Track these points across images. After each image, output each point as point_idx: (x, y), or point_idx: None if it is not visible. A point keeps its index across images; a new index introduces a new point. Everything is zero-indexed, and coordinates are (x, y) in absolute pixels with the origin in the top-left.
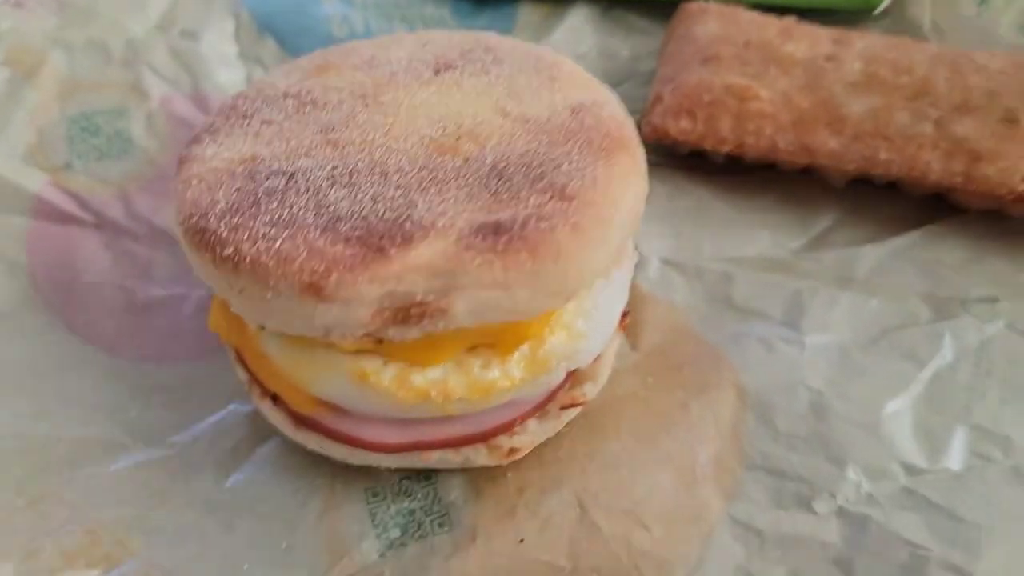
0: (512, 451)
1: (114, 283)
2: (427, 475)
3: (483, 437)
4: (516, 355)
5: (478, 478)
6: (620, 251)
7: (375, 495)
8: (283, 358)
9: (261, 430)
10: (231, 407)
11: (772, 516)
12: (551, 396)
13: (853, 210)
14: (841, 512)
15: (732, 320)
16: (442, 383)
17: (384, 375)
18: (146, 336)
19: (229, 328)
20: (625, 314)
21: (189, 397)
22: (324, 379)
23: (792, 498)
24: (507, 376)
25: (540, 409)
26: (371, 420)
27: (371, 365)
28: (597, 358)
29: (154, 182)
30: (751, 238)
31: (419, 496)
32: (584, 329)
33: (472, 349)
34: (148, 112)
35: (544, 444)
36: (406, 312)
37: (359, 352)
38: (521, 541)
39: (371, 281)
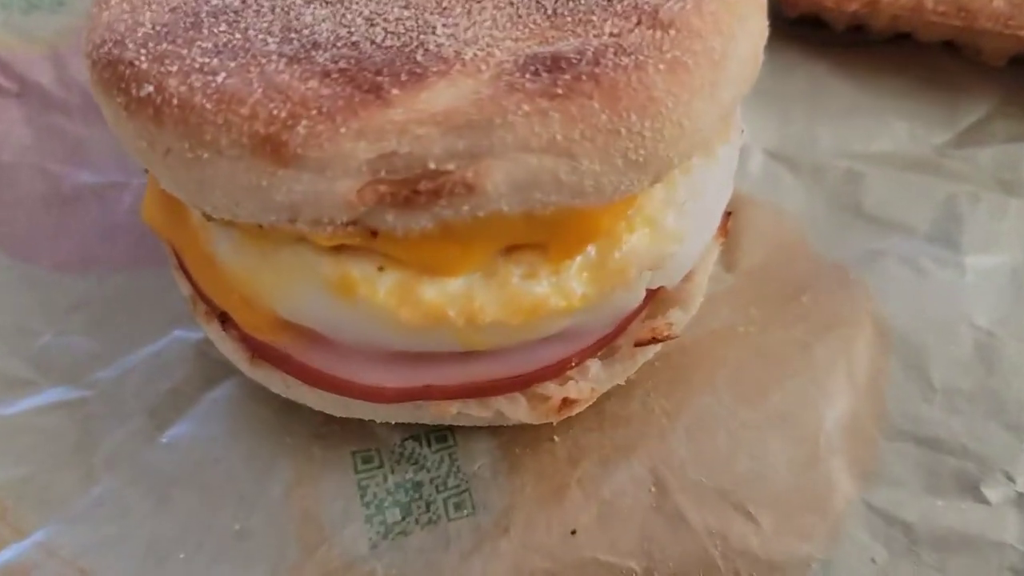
0: (565, 404)
1: (33, 165)
2: (441, 436)
3: (523, 383)
4: (576, 262)
5: (513, 442)
6: (729, 115)
7: (367, 462)
8: (236, 260)
9: (212, 367)
10: (174, 334)
11: (924, 505)
12: (622, 326)
13: (1015, 96)
14: (1021, 501)
15: (863, 233)
16: (465, 299)
17: (379, 285)
18: (69, 236)
19: (166, 220)
20: (728, 215)
21: (119, 319)
22: (292, 290)
23: (952, 480)
24: (561, 292)
25: (606, 345)
26: (360, 353)
27: (360, 270)
28: (689, 275)
29: None
30: (883, 129)
31: (429, 465)
32: (675, 228)
33: (511, 251)
34: None
35: (609, 397)
36: (412, 187)
37: (341, 250)
38: (573, 533)
39: (359, 136)
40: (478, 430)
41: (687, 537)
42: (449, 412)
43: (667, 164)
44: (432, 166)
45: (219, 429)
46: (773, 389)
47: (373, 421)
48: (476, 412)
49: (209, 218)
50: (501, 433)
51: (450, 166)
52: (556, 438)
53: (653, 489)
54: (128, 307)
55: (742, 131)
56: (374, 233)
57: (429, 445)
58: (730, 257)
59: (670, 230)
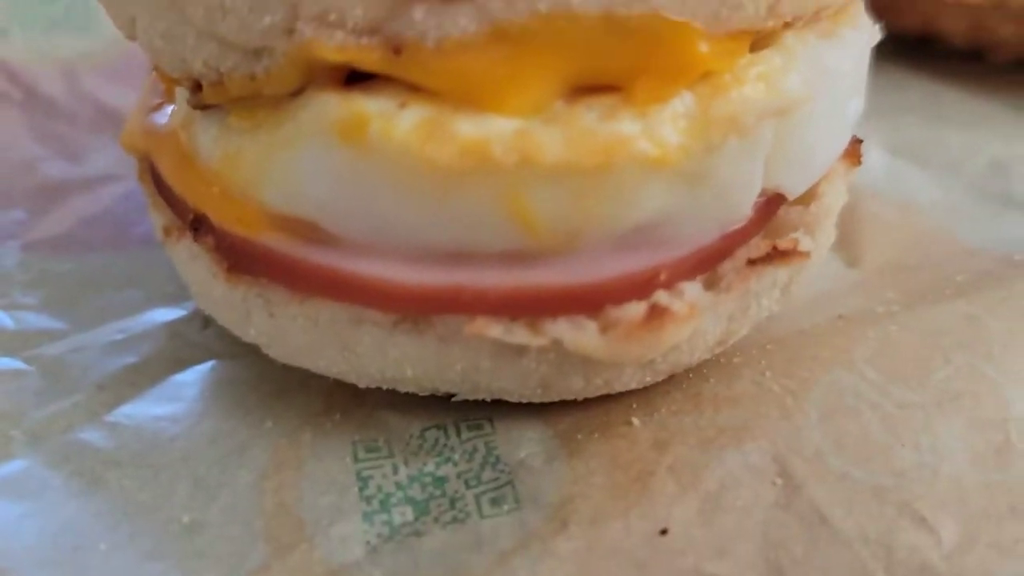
0: (653, 317)
1: (24, 160)
2: (475, 423)
3: (592, 299)
4: (669, 106)
5: (575, 428)
6: None
7: (371, 451)
8: (220, 149)
9: (185, 349)
10: (147, 314)
11: None
12: (729, 243)
13: None
14: None
15: (1021, 221)
16: (518, 136)
17: (399, 122)
18: (49, 220)
19: (144, 135)
20: (858, 141)
21: (88, 297)
22: (285, 163)
23: None
24: (652, 136)
25: (708, 266)
26: (371, 248)
27: (376, 106)
28: (815, 192)
29: (115, 65)
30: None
31: (456, 457)
32: (800, 88)
33: (579, 96)
34: None
35: (706, 377)
36: None
37: (352, 87)
38: (663, 533)
39: None
40: (526, 415)
41: (832, 546)
42: (487, 334)
43: None
44: None
45: (181, 409)
46: (936, 365)
47: (387, 410)
48: (522, 338)
49: (198, 105)
50: (556, 417)
51: None
52: (636, 420)
53: (778, 481)
54: (101, 286)
55: (874, 27)
56: (397, 50)
57: (458, 434)
58: (851, 252)
59: (794, 89)
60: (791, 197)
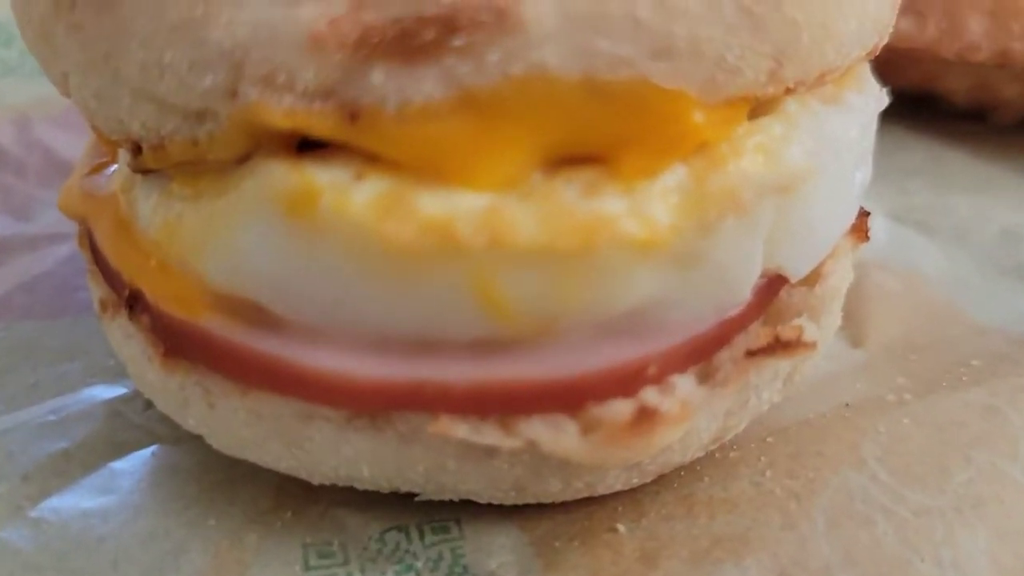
0: (642, 419)
1: None
2: (441, 526)
3: (572, 395)
4: (659, 181)
5: (552, 534)
6: (866, 41)
7: (324, 557)
8: (158, 217)
9: (124, 431)
10: (85, 392)
11: None
12: (726, 330)
13: None
14: None
15: None
16: (487, 213)
17: (353, 195)
18: None
19: (82, 198)
20: (865, 214)
21: (19, 372)
22: (228, 235)
23: None
24: (638, 215)
25: (702, 356)
26: (324, 335)
27: (328, 177)
28: (819, 273)
29: (69, 115)
30: None
31: (420, 566)
32: (802, 162)
33: (557, 169)
34: None
35: (700, 476)
36: (416, 16)
37: (303, 157)
38: None
39: None
40: (498, 516)
41: None
42: (452, 434)
43: (790, 41)
44: None
45: (114, 503)
46: (955, 465)
47: (344, 508)
48: (493, 439)
49: (138, 169)
50: (532, 520)
51: None
52: (621, 527)
53: None
54: (34, 358)
55: (881, 91)
56: (353, 117)
57: (422, 538)
58: (855, 331)
59: (795, 162)
60: (794, 279)
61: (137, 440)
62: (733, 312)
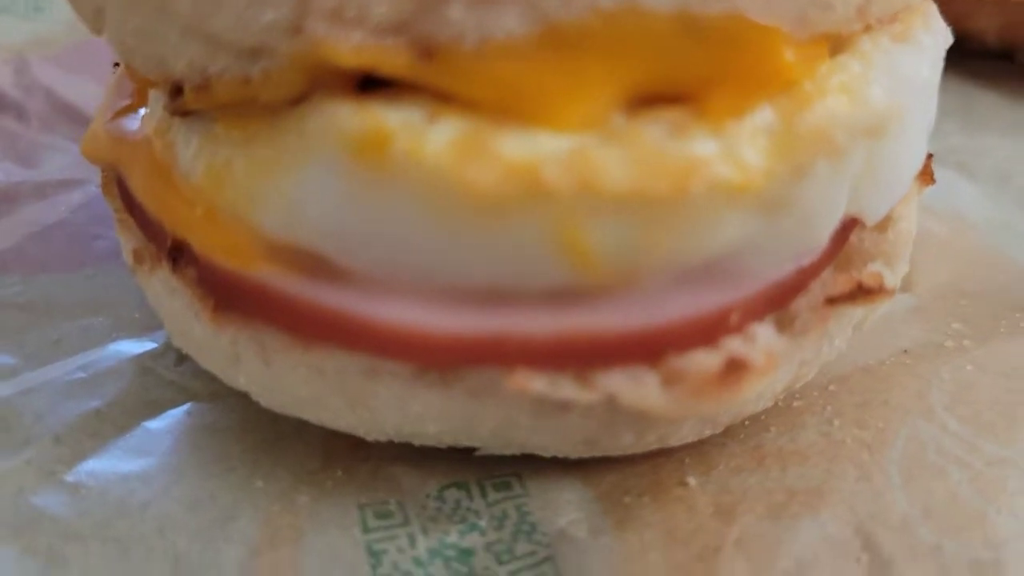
0: (730, 371)
1: None
2: (502, 482)
3: (653, 345)
4: (746, 121)
5: (620, 488)
6: None
7: (382, 517)
8: (203, 162)
9: (157, 389)
10: (112, 347)
11: None
12: (803, 277)
13: None
14: None
15: None
16: (574, 156)
17: (428, 138)
18: None
19: (109, 142)
20: (929, 156)
21: (40, 326)
22: (286, 178)
23: None
24: (731, 156)
25: (781, 303)
26: (391, 287)
27: (399, 119)
28: (889, 220)
29: (69, 55)
30: None
31: (483, 524)
32: (887, 101)
33: (637, 105)
34: None
35: (767, 426)
36: None
37: (372, 96)
38: None
39: None
40: (560, 471)
41: None
42: (530, 388)
43: None
44: None
45: (153, 465)
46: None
47: (397, 463)
48: (570, 393)
49: (177, 111)
50: (596, 474)
51: None
52: (691, 480)
53: (863, 557)
54: (56, 313)
55: (946, 28)
56: (428, 54)
57: (483, 495)
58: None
59: (880, 102)
60: (870, 223)
61: (171, 398)
62: (811, 258)
